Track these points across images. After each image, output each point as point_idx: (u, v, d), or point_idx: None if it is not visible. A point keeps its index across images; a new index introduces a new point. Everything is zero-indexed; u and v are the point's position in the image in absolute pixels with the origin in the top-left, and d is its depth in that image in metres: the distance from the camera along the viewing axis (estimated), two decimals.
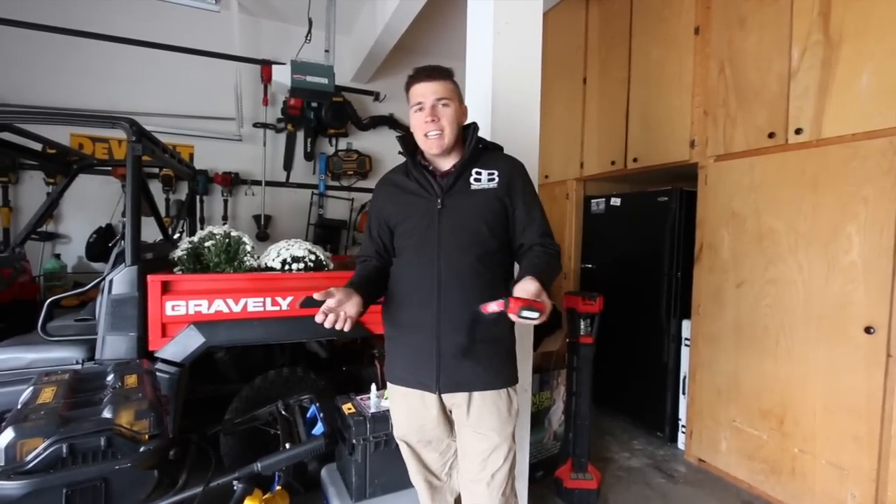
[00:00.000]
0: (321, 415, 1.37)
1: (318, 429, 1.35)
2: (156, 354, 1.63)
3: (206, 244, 1.84)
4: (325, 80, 2.34)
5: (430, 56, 4.04)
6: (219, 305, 1.72)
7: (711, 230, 2.18)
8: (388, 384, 1.18)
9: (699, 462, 2.23)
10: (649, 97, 2.50)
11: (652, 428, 2.53)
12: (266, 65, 3.12)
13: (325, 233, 3.54)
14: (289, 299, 1.80)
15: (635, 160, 2.58)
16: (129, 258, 1.63)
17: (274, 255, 1.96)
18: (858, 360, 1.64)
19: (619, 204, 2.72)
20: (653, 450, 2.38)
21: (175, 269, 1.80)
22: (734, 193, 2.07)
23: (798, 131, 1.82)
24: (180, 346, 1.66)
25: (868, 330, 1.61)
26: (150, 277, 1.63)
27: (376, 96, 3.83)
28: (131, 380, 1.18)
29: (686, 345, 2.37)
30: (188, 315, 1.68)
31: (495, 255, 1.09)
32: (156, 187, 3.18)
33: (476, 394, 1.07)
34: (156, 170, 3.20)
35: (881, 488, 1.58)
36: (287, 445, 1.24)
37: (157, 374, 1.60)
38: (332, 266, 2.02)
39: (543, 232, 1.13)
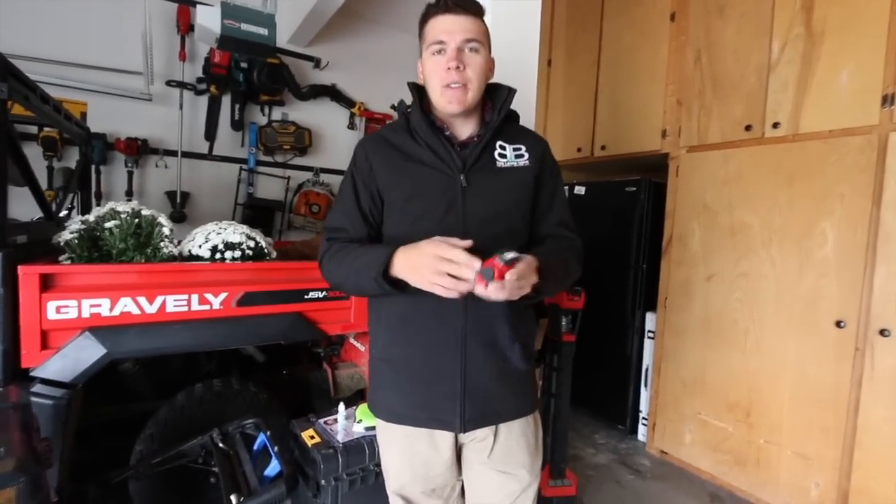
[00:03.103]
0: (275, 447, 1.07)
1: (273, 467, 1.05)
2: (33, 373, 1.21)
3: (107, 225, 1.41)
4: (264, 31, 1.92)
5: (381, 24, 3.68)
6: (126, 305, 1.32)
7: (681, 222, 2.14)
8: (380, 422, 0.91)
9: (661, 454, 2.22)
10: (620, 83, 2.41)
11: (613, 420, 2.50)
12: (185, 3, 2.56)
13: (256, 214, 3.09)
14: (222, 296, 1.44)
15: (603, 148, 2.49)
16: None
17: (201, 240, 1.57)
18: (828, 353, 1.67)
19: (583, 193, 2.63)
20: (615, 443, 2.35)
21: (61, 258, 1.36)
22: (707, 186, 2.04)
23: (775, 125, 1.80)
24: (70, 361, 1.25)
25: (839, 324, 1.63)
26: (22, 269, 1.19)
27: (317, 63, 3.39)
28: None
29: (650, 337, 2.35)
30: (81, 319, 1.27)
31: (528, 251, 0.87)
32: (34, 152, 2.54)
33: (503, 425, 0.85)
34: (34, 129, 2.55)
35: (844, 477, 1.63)
36: (234, 501, 0.92)
37: (36, 401, 1.19)
38: (274, 255, 1.68)
39: (560, 221, 0.93)
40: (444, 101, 0.84)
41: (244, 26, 1.90)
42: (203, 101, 3.00)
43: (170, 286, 1.39)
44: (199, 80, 2.95)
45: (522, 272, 0.70)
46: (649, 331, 2.35)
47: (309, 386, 1.85)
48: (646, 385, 2.37)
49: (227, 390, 1.51)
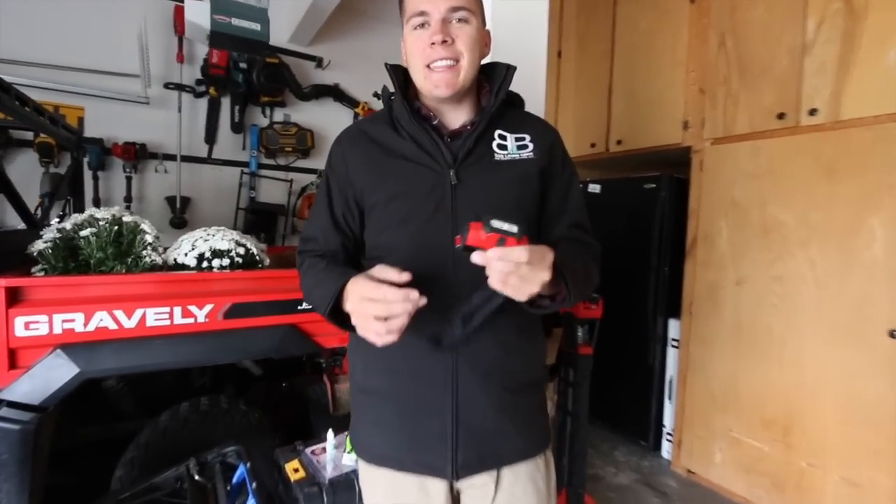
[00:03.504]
0: (253, 483, 0.95)
1: None
2: None
3: (84, 233, 1.31)
4: (256, 26, 1.82)
5: (384, 22, 3.57)
6: (102, 319, 1.22)
7: (707, 221, 1.98)
8: (362, 464, 0.78)
9: (689, 474, 2.05)
10: (636, 73, 2.26)
11: (634, 436, 2.33)
12: (181, 2, 2.49)
13: (259, 219, 3.00)
14: (207, 308, 1.33)
15: (619, 142, 2.33)
16: None
17: (187, 247, 1.47)
18: (880, 367, 1.49)
19: (598, 191, 2.47)
20: (637, 461, 2.18)
21: (35, 269, 1.27)
22: (735, 180, 1.87)
23: (812, 112, 1.63)
24: (40, 382, 1.15)
25: (892, 334, 1.46)
26: None
27: (319, 62, 3.30)
28: None
29: (673, 346, 2.18)
30: (52, 335, 1.16)
31: None
32: (31, 159, 2.49)
33: (506, 469, 0.71)
34: (31, 136, 2.50)
35: None
36: None
37: (2, 426, 1.09)
38: (267, 262, 1.57)
39: (575, 223, 0.79)
40: (430, 85, 0.71)
41: (235, 21, 1.80)
42: (202, 103, 2.93)
43: (150, 298, 1.28)
44: (198, 82, 2.88)
45: (528, 258, 0.55)
46: (673, 339, 2.19)
47: (306, 401, 1.73)
48: (669, 398, 2.20)
49: (215, 409, 1.40)
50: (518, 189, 0.73)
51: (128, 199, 2.72)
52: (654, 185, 2.21)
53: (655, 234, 2.21)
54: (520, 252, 0.55)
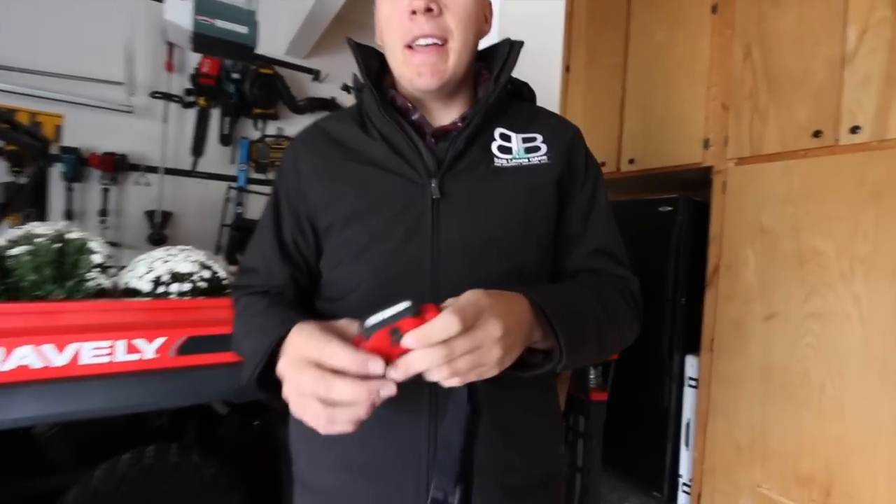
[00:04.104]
0: None
1: None
2: None
3: (15, 252, 1.13)
4: (242, 30, 1.67)
5: None
6: (25, 356, 1.02)
7: (731, 248, 1.78)
8: None
9: None
10: (651, 87, 2.10)
11: (646, 485, 2.09)
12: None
13: (244, 236, 2.81)
14: (158, 342, 1.14)
15: (631, 162, 2.16)
16: None
17: (142, 269, 1.28)
18: None
19: None
20: None
21: None
22: (763, 204, 1.68)
23: (854, 129, 1.46)
24: None
25: None
26: None
27: (316, 75, 3.18)
28: None
29: (691, 386, 1.96)
30: None
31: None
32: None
33: None
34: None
35: None
36: None
37: None
38: None
39: (600, 248, 0.61)
40: (411, 71, 0.54)
41: (220, 23, 1.65)
42: (190, 114, 2.79)
43: (89, 330, 1.09)
44: (188, 92, 2.74)
45: (457, 325, 0.38)
46: (690, 378, 1.97)
47: (278, 447, 1.52)
48: (686, 444, 1.97)
49: (161, 464, 1.19)
50: (526, 205, 0.55)
51: (103, 212, 2.55)
52: (670, 208, 2.02)
53: (671, 262, 2.01)
54: (439, 324, 0.37)
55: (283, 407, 0.45)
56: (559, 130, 0.61)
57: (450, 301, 0.41)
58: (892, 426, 1.36)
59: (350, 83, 3.20)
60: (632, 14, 2.19)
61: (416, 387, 0.45)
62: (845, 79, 1.48)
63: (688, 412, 1.98)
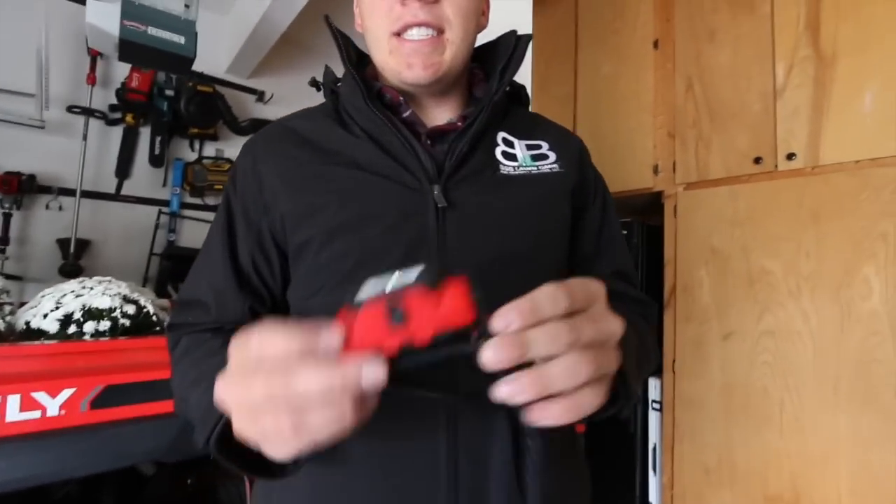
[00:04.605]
0: None
1: None
2: None
3: None
4: (179, 39, 1.51)
5: (332, 59, 3.40)
6: None
7: (686, 270, 1.83)
8: None
9: None
10: (601, 116, 2.18)
11: None
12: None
13: (177, 266, 2.54)
14: (65, 394, 0.93)
15: None
16: None
17: (49, 306, 1.07)
18: (890, 433, 1.33)
19: None
20: None
21: None
22: (713, 227, 1.75)
23: (790, 156, 1.56)
24: None
25: None
26: None
27: (260, 96, 3.04)
28: None
29: (655, 409, 1.96)
30: None
31: None
32: None
33: None
34: None
35: None
36: None
37: None
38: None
39: (618, 269, 0.56)
40: (399, 63, 0.47)
41: (152, 31, 1.49)
42: (115, 132, 2.53)
43: None
44: (112, 108, 2.49)
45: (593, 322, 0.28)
46: (654, 401, 1.97)
47: None
48: (654, 470, 1.94)
49: None
50: (541, 218, 0.49)
51: (3, 240, 2.20)
52: (625, 232, 2.06)
53: None
54: (545, 294, 0.27)
55: (259, 473, 0.33)
56: (564, 139, 0.56)
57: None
58: (849, 439, 1.41)
59: (299, 104, 3.12)
60: (579, 47, 2.29)
61: (432, 413, 0.35)
62: (778, 110, 1.60)
63: (654, 436, 1.96)
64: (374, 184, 0.46)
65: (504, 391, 0.26)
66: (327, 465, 0.42)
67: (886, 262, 1.36)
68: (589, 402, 0.27)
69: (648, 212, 2.04)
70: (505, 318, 0.26)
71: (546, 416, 0.26)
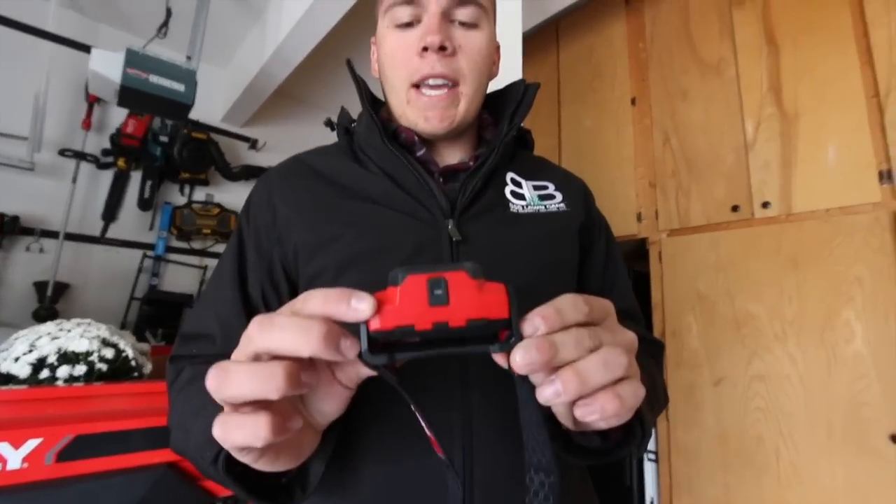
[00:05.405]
0: None
1: None
2: None
3: None
4: (179, 87, 1.56)
5: (327, 111, 3.53)
6: None
7: (674, 315, 1.85)
8: None
9: None
10: (584, 166, 2.27)
11: None
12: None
13: (158, 311, 2.47)
14: (30, 445, 0.87)
15: None
16: None
17: (21, 349, 1.03)
18: (884, 476, 1.31)
19: None
20: None
21: None
22: (698, 272, 1.80)
23: (765, 205, 1.64)
24: None
25: (894, 438, 1.31)
26: None
27: (253, 144, 3.11)
28: None
29: (651, 460, 1.90)
30: None
31: None
32: None
33: None
34: None
35: None
36: None
37: None
38: (148, 369, 1.14)
39: (623, 310, 0.57)
40: (416, 114, 0.50)
41: (153, 78, 1.54)
42: (105, 176, 2.54)
43: None
44: (105, 153, 2.51)
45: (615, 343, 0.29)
46: (650, 451, 1.92)
47: None
48: None
49: None
50: (550, 255, 0.50)
51: None
52: None
53: None
54: (567, 300, 0.28)
55: (268, 499, 0.32)
56: (569, 181, 0.59)
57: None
58: (846, 487, 1.38)
59: (290, 152, 3.19)
60: (562, 103, 2.43)
61: (450, 443, 0.35)
62: (750, 162, 1.70)
63: (650, 489, 1.89)
64: (390, 217, 0.47)
65: (548, 392, 0.26)
66: (336, 492, 0.40)
67: (864, 306, 1.40)
68: (632, 392, 0.28)
69: (634, 257, 2.09)
70: (532, 323, 0.27)
71: (592, 411, 0.26)
